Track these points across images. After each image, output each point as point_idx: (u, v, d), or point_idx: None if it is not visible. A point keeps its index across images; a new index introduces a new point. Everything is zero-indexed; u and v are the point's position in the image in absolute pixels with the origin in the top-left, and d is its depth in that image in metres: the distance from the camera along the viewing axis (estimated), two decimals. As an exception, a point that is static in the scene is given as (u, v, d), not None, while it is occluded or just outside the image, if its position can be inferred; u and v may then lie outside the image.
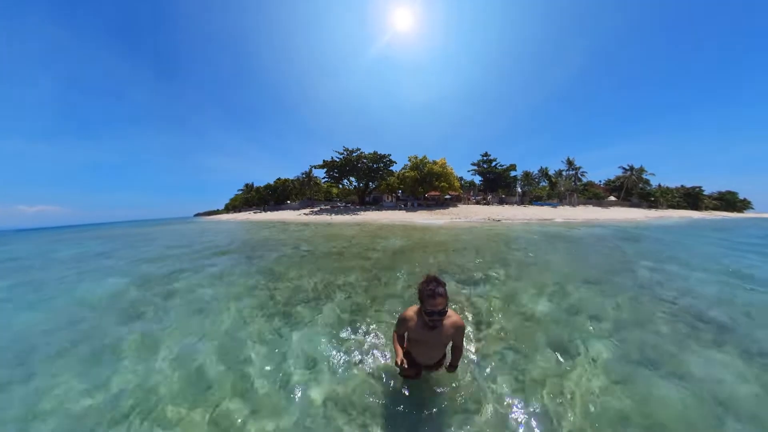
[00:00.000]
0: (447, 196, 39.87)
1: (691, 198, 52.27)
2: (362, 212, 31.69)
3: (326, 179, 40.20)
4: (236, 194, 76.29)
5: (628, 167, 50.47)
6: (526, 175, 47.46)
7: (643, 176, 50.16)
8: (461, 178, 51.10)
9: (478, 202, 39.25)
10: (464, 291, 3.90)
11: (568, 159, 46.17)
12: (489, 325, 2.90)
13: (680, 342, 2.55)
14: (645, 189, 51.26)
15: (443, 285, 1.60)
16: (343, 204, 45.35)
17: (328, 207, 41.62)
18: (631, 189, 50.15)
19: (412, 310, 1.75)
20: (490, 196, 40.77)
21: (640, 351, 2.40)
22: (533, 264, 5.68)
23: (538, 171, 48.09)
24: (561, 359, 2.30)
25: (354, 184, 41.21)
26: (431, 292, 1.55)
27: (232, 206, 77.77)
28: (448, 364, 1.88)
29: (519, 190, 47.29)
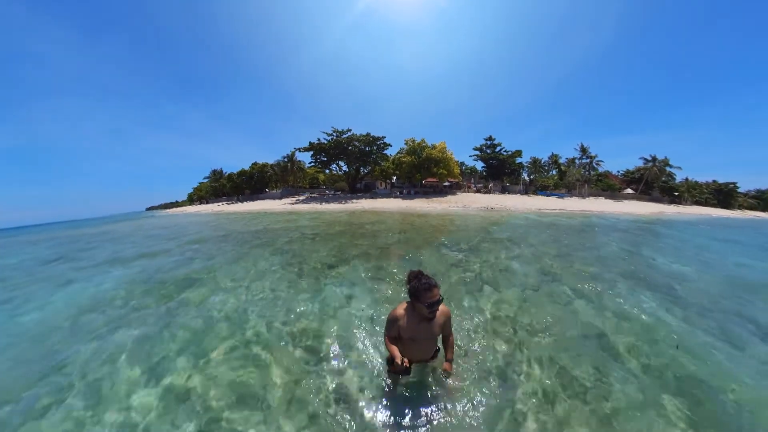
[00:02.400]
0: (446, 183, 38.40)
1: (723, 195, 49.20)
2: (354, 200, 30.41)
3: (312, 163, 38.36)
4: (201, 183, 66.08)
5: (650, 158, 47.78)
6: (535, 162, 45.26)
7: (667, 169, 47.46)
8: (462, 164, 49.44)
9: (478, 191, 37.73)
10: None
11: (582, 146, 43.73)
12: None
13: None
14: (668, 183, 48.51)
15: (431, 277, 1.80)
16: (332, 192, 44.04)
17: (315, 195, 40.06)
18: (651, 182, 47.56)
19: (401, 308, 1.87)
20: (491, 184, 39.11)
21: (580, 288, 4.13)
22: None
23: (549, 158, 45.88)
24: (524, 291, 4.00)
25: (344, 169, 39.64)
26: (427, 286, 1.72)
27: (198, 197, 66.72)
28: (443, 363, 2.00)
29: (526, 178, 45.33)
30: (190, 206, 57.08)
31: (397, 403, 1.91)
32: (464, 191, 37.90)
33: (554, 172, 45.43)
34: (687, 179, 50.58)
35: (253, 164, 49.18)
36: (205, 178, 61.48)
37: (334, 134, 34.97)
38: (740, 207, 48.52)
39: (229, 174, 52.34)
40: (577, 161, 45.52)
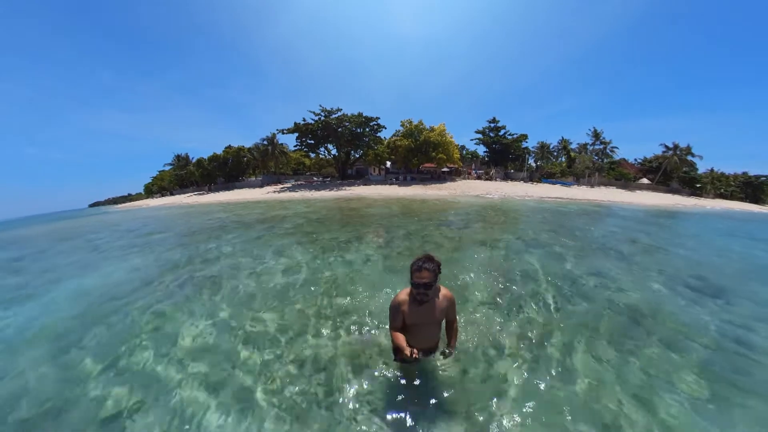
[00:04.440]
0: (444, 169, 37.11)
1: (752, 188, 46.97)
2: (346, 187, 29.22)
3: (297, 147, 36.60)
4: (162, 171, 57.83)
5: (671, 146, 45.36)
6: (542, 147, 43.36)
7: (689, 158, 45.09)
8: (463, 147, 47.73)
9: (479, 177, 36.37)
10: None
11: (595, 130, 41.63)
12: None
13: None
14: (689, 173, 46.27)
15: (434, 262, 1.80)
16: (320, 178, 42.59)
17: (302, 182, 38.51)
18: (671, 172, 45.37)
19: (403, 293, 1.94)
20: (493, 171, 37.67)
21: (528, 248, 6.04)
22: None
23: (558, 143, 43.94)
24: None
25: (333, 153, 38.21)
26: (418, 267, 1.76)
27: (159, 188, 58.01)
28: (445, 348, 2.15)
29: (532, 164, 43.63)
30: (151, 200, 50.10)
31: (399, 393, 2.06)
32: (464, 177, 36.62)
33: (563, 159, 43.63)
34: (712, 170, 48.31)
35: (226, 148, 44.45)
36: (167, 166, 51.72)
37: (322, 114, 33.46)
38: (766, 202, 46.33)
39: (198, 159, 45.74)
40: (589, 147, 43.57)
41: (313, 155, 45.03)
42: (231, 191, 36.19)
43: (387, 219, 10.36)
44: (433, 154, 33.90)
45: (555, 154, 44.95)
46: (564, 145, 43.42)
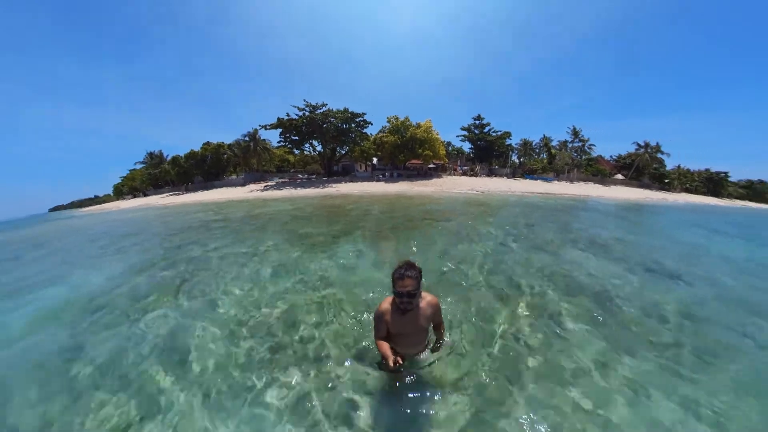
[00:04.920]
0: (431, 166, 37.64)
1: (713, 183, 50.85)
2: (333, 185, 28.87)
3: (281, 143, 35.73)
4: (133, 170, 54.02)
5: (643, 144, 48.31)
6: (525, 144, 44.98)
7: (658, 156, 48.26)
8: (449, 144, 48.61)
9: (464, 173, 37.24)
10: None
11: (574, 129, 43.64)
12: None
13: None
14: (659, 170, 49.46)
15: (416, 269, 1.76)
16: (305, 175, 41.54)
17: (287, 180, 37.57)
18: (642, 168, 48.37)
19: (386, 303, 1.91)
20: (478, 167, 38.66)
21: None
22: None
23: (540, 140, 45.74)
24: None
25: (318, 149, 37.72)
26: (400, 275, 1.72)
27: (130, 189, 54.08)
28: (432, 345, 2.15)
29: (515, 160, 45.16)
30: (121, 201, 46.17)
31: (388, 399, 2.02)
32: (450, 174, 37.30)
33: (544, 156, 45.42)
34: (679, 167, 51.78)
35: (205, 144, 41.75)
36: (138, 164, 47.88)
37: (307, 109, 32.96)
38: (729, 196, 50.32)
39: (173, 157, 42.50)
40: (569, 145, 45.56)
41: (297, 152, 44.07)
42: (211, 190, 34.38)
43: (374, 216, 10.35)
44: (420, 150, 34.27)
45: (537, 150, 46.72)
46: (545, 142, 45.19)
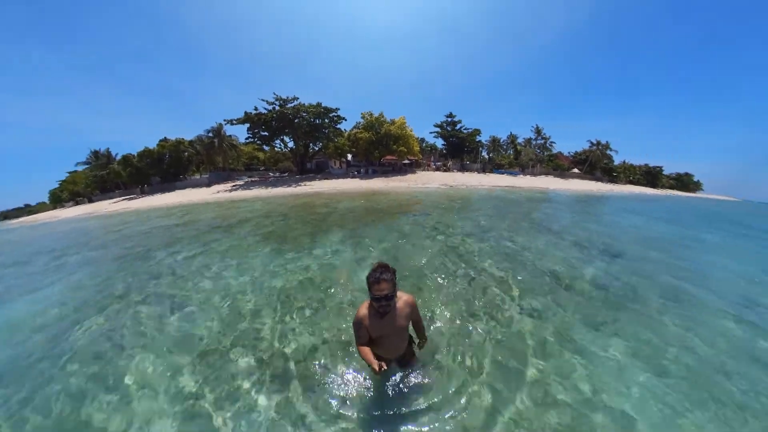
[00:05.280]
0: (405, 161, 38.24)
1: (651, 176, 58.19)
2: (306, 183, 27.68)
3: (250, 139, 33.51)
4: (73, 172, 46.73)
5: (595, 142, 53.64)
6: (494, 141, 47.71)
7: (607, 152, 53.92)
8: (423, 140, 49.76)
9: (438, 169, 38.47)
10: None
11: (537, 127, 47.24)
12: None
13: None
14: (608, 165, 55.32)
15: (390, 271, 1.77)
16: (277, 173, 39.68)
17: (257, 179, 35.44)
18: (595, 163, 53.68)
19: (363, 308, 1.88)
20: (450, 162, 40.11)
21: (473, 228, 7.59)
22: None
23: (507, 137, 48.74)
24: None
25: (290, 146, 36.27)
26: (376, 279, 1.72)
27: (71, 194, 46.34)
28: (416, 344, 2.23)
29: (485, 156, 47.67)
30: (62, 210, 38.27)
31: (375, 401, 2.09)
32: (424, 169, 38.22)
33: (511, 152, 48.44)
34: (624, 162, 58.33)
35: (162, 141, 37.14)
36: (80, 166, 40.67)
37: (277, 103, 31.53)
38: (662, 186, 58.04)
39: (124, 156, 36.97)
40: (532, 142, 48.96)
41: (267, 148, 42.00)
42: (171, 193, 30.74)
43: (350, 213, 10.35)
44: (394, 146, 34.61)
45: (504, 147, 49.64)
46: (512, 139, 48.17)
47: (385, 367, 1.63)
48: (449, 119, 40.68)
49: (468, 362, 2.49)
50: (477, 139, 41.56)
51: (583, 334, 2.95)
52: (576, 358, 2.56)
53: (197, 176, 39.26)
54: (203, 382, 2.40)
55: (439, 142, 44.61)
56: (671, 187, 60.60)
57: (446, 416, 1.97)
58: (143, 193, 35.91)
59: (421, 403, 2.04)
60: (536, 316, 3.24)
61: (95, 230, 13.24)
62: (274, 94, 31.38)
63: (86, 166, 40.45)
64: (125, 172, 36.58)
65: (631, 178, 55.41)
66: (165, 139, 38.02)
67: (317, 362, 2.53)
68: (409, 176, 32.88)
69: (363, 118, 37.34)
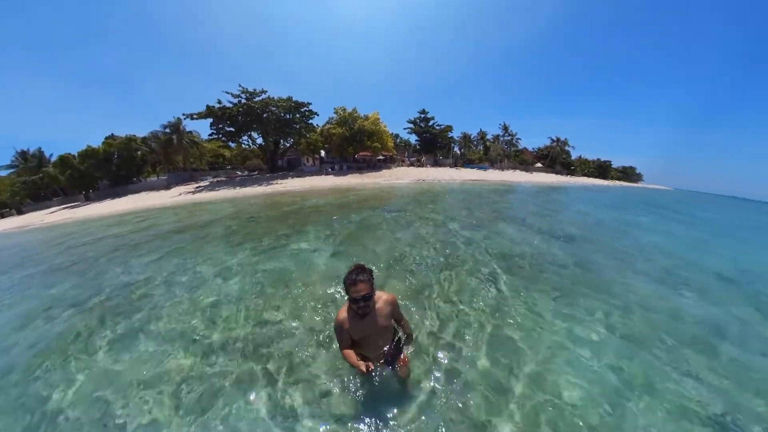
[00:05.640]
0: (380, 157, 38.37)
1: (602, 169, 65.08)
2: (279, 181, 26.30)
3: (214, 135, 30.99)
4: None
5: (555, 139, 58.30)
6: (465, 137, 49.77)
7: (566, 148, 59.04)
8: (397, 136, 50.35)
9: (412, 164, 39.21)
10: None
11: (504, 125, 50.20)
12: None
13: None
14: (567, 159, 60.65)
15: (367, 271, 1.76)
16: (246, 172, 37.60)
17: (223, 178, 33.05)
18: (555, 158, 58.41)
19: (343, 311, 1.87)
20: (424, 158, 41.10)
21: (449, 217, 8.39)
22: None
23: (477, 134, 51.11)
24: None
25: (258, 142, 34.36)
26: (353, 281, 1.71)
27: None
28: (403, 341, 2.05)
29: (457, 151, 49.60)
30: None
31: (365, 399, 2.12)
32: (398, 165, 38.70)
33: (481, 147, 50.90)
34: (580, 157, 64.33)
35: (108, 139, 31.70)
36: (3, 170, 34.15)
37: (243, 96, 29.72)
38: (611, 178, 65.17)
39: (61, 157, 30.55)
40: (500, 138, 51.72)
41: (233, 145, 39.44)
42: (124, 198, 26.59)
43: (325, 211, 10.34)
44: (368, 142, 34.54)
45: (475, 143, 51.94)
46: (482, 136, 50.53)
47: (372, 367, 1.63)
48: (422, 115, 41.45)
49: (441, 341, 2.75)
50: (449, 136, 42.92)
51: (545, 303, 3.48)
52: (542, 323, 3.05)
53: (154, 178, 35.41)
54: (184, 391, 2.36)
55: (413, 138, 45.40)
56: (618, 179, 68.17)
57: (436, 407, 2.08)
58: (89, 199, 30.62)
59: (408, 398, 2.12)
60: (503, 293, 3.71)
61: (31, 246, 10.88)
62: (240, 86, 29.58)
63: (11, 170, 34.15)
64: (64, 176, 30.40)
65: (585, 171, 61.31)
66: (112, 137, 33.57)
67: (299, 362, 2.54)
68: (384, 172, 33.13)
69: (336, 113, 36.72)
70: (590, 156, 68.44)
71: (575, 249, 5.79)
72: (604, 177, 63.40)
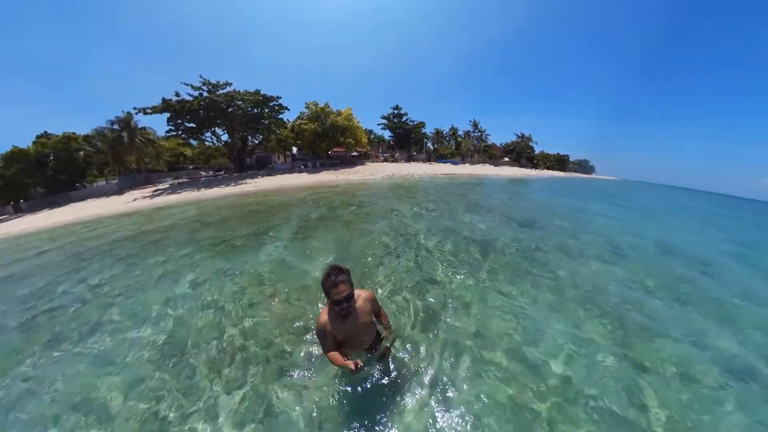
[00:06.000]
0: (354, 153, 38.20)
1: (561, 162, 71.17)
2: (248, 180, 24.53)
3: (172, 132, 28.19)
4: None
5: (520, 135, 62.36)
6: (438, 133, 51.38)
7: (530, 144, 63.53)
8: (371, 132, 50.48)
9: (386, 160, 39.64)
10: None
11: (474, 121, 52.67)
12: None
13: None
14: (531, 154, 65.34)
15: (345, 271, 1.74)
16: (211, 172, 34.94)
17: (185, 180, 30.06)
18: (520, 152, 62.51)
19: (323, 314, 1.84)
20: (398, 153, 41.72)
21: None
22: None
23: (449, 130, 53.06)
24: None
25: (224, 139, 32.10)
26: (333, 283, 1.68)
27: None
28: (383, 334, 2.18)
29: (430, 147, 51.09)
30: None
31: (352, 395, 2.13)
32: (372, 161, 38.87)
33: (452, 143, 52.89)
34: (542, 151, 69.57)
35: (41, 138, 27.37)
36: None
37: (204, 88, 27.62)
38: (569, 170, 71.71)
39: None
40: (471, 134, 54.00)
41: (195, 143, 36.59)
42: (66, 207, 22.39)
43: (298, 208, 10.24)
44: (342, 138, 34.18)
45: (447, 138, 53.75)
46: (453, 132, 52.45)
47: (361, 363, 1.64)
48: (396, 111, 41.88)
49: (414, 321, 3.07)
50: (422, 131, 43.91)
51: (508, 280, 4.02)
52: (507, 299, 3.51)
53: (102, 182, 31.25)
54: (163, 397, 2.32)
55: (387, 134, 45.78)
56: (575, 171, 75.10)
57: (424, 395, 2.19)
58: (19, 211, 25.51)
59: (398, 390, 2.18)
60: (468, 273, 4.25)
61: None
62: (201, 77, 27.53)
63: None
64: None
65: (547, 164, 66.52)
66: (46, 135, 28.88)
67: (283, 364, 2.53)
68: (358, 168, 33.11)
69: (307, 108, 35.78)
70: (551, 150, 74.42)
71: (531, 231, 6.67)
72: (562, 169, 69.12)
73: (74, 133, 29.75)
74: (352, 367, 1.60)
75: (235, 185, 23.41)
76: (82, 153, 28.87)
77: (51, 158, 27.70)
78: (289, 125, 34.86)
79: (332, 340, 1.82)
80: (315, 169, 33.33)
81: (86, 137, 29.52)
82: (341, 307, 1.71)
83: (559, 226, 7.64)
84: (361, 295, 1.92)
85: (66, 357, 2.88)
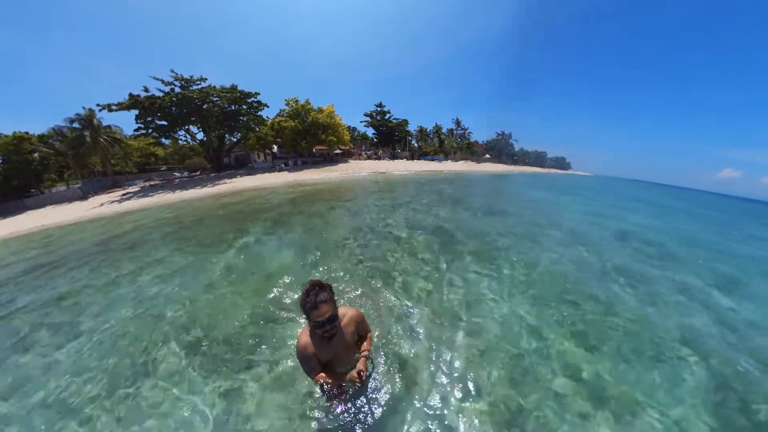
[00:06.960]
0: (336, 151, 37.96)
1: (540, 159, 74.41)
2: (226, 180, 23.64)
3: (141, 130, 26.18)
4: None
5: (501, 132, 64.51)
6: (422, 130, 52.22)
7: (510, 141, 65.98)
8: (354, 129, 50.35)
9: (369, 157, 39.76)
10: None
11: (457, 119, 53.99)
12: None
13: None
14: (511, 151, 67.89)
15: (326, 288, 1.57)
16: (186, 173, 32.89)
17: (158, 182, 27.74)
18: (501, 150, 64.74)
19: (304, 336, 1.67)
20: (381, 151, 41.94)
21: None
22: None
23: (433, 128, 54.02)
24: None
25: (199, 137, 30.74)
26: (313, 304, 1.51)
27: None
28: (358, 363, 1.78)
29: (414, 144, 51.75)
30: None
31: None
32: (356, 158, 38.84)
33: (436, 141, 53.90)
34: (522, 148, 72.37)
35: None
36: None
37: (177, 83, 26.38)
38: (547, 166, 75.10)
39: None
40: (454, 132, 55.19)
41: (167, 142, 34.79)
42: (21, 215, 20.17)
43: (278, 208, 10.13)
44: (323, 136, 33.86)
45: (431, 136, 54.68)
46: (437, 129, 53.40)
47: (356, 375, 1.55)
48: (379, 109, 41.99)
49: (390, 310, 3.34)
50: (406, 129, 44.34)
51: (477, 264, 4.43)
52: (476, 280, 3.91)
53: (62, 187, 28.23)
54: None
55: (370, 131, 45.87)
56: (553, 167, 78.76)
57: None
58: None
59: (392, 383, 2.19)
60: (443, 261, 4.57)
61: None
62: (173, 71, 26.23)
63: None
64: None
65: (526, 161, 69.34)
66: None
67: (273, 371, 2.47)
68: (341, 165, 32.97)
69: (288, 104, 35.12)
70: (530, 147, 77.71)
71: (504, 220, 7.42)
72: (541, 166, 72.32)
73: (27, 133, 27.18)
74: (346, 378, 1.56)
75: (212, 186, 22.39)
76: (37, 155, 26.67)
77: (0, 161, 25.40)
78: (268, 123, 34.05)
79: (316, 363, 1.64)
80: (296, 168, 32.81)
81: (42, 137, 27.24)
82: (324, 329, 1.55)
83: (533, 215, 8.56)
84: (347, 314, 1.76)
85: None
